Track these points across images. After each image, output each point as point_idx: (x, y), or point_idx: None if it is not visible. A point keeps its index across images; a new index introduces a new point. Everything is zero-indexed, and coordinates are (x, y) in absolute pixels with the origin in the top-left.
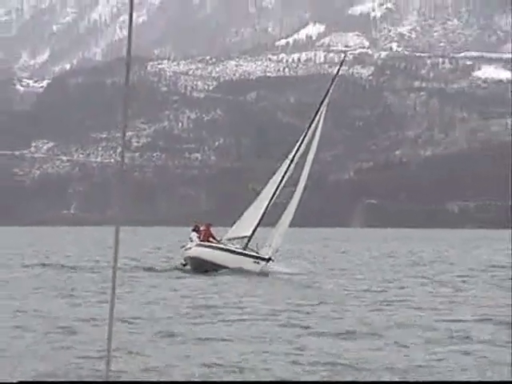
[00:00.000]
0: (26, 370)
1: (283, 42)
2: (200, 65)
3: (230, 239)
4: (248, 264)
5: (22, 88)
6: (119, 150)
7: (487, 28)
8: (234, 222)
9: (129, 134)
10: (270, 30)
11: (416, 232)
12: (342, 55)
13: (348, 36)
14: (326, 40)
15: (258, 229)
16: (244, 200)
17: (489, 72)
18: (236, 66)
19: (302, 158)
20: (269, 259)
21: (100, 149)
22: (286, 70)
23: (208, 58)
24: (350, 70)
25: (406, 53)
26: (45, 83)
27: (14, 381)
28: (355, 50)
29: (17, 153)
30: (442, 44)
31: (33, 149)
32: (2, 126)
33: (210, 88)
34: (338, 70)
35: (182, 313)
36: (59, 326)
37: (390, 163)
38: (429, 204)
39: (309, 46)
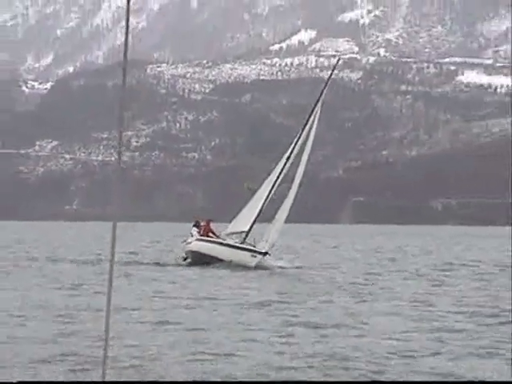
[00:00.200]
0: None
1: (276, 46)
2: (197, 68)
3: (228, 234)
4: (245, 258)
5: (27, 89)
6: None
7: (470, 35)
8: (233, 218)
9: (129, 133)
10: (263, 35)
11: (402, 228)
12: (332, 59)
13: (338, 42)
14: (317, 45)
15: (255, 224)
16: (239, 197)
17: (471, 77)
18: (231, 69)
19: (297, 158)
20: (265, 253)
21: (101, 148)
22: (279, 73)
23: (205, 61)
24: (340, 74)
25: (393, 58)
26: (49, 85)
27: (14, 381)
28: (345, 54)
29: (22, 151)
30: (427, 50)
31: (37, 147)
32: (8, 125)
33: (207, 90)
34: (331, 73)
35: (179, 303)
36: (59, 315)
37: (377, 162)
38: (414, 201)
39: (301, 50)
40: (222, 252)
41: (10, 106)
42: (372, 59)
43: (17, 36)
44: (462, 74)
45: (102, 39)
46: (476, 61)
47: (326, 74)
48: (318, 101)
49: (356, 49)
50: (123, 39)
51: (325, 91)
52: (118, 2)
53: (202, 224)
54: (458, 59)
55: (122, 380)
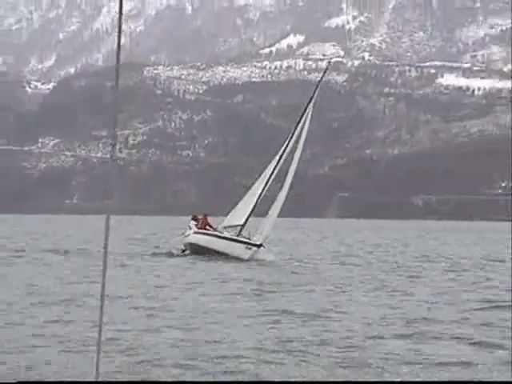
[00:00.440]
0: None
1: (267, 50)
2: (191, 70)
3: (225, 227)
4: (240, 250)
5: (30, 90)
6: (118, 146)
7: (449, 40)
8: (228, 212)
9: (126, 132)
10: (254, 39)
11: (384, 223)
12: (320, 63)
13: (325, 46)
14: (305, 49)
15: (250, 218)
16: (230, 192)
17: (450, 80)
18: (224, 71)
19: (289, 156)
20: (260, 245)
21: (100, 145)
22: (269, 75)
23: (199, 64)
24: (327, 77)
25: (377, 62)
26: (51, 85)
27: (13, 381)
28: (331, 58)
29: (25, 148)
30: (408, 54)
31: (40, 145)
32: (12, 123)
33: (201, 91)
34: (323, 75)
35: (170, 291)
36: (60, 300)
37: (361, 160)
38: (396, 197)
39: (290, 54)
40: (218, 244)
41: (14, 105)
42: (357, 63)
43: (21, 39)
44: (442, 77)
45: (101, 42)
46: (455, 65)
47: (313, 77)
48: (310, 101)
49: (342, 53)
50: (122, 42)
51: (317, 92)
52: (117, 8)
53: (199, 217)
54: (437, 63)
55: (115, 380)
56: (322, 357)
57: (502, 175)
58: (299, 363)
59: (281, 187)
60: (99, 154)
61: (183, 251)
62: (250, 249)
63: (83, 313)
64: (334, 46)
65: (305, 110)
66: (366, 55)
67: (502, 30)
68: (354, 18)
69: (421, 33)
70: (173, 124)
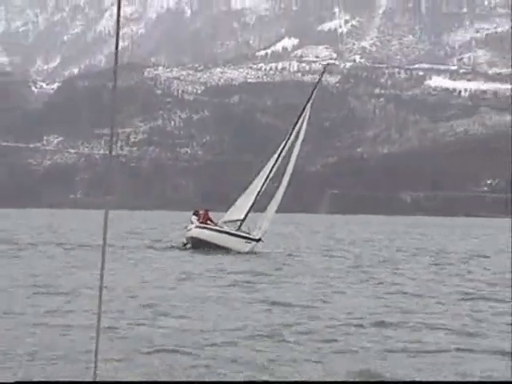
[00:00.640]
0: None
1: (262, 52)
2: (190, 71)
3: (225, 222)
4: (240, 244)
5: (36, 89)
6: (120, 144)
7: (437, 44)
8: (228, 208)
9: (127, 130)
10: (250, 42)
11: (373, 218)
12: (313, 65)
13: (318, 49)
14: (299, 52)
15: (250, 214)
16: (226, 188)
17: (438, 82)
18: (221, 73)
19: (287, 154)
20: (259, 239)
21: (102, 143)
22: (265, 77)
23: (197, 65)
24: None
25: (368, 64)
26: (56, 85)
27: (11, 381)
28: (324, 60)
29: (31, 145)
30: (398, 57)
31: (45, 142)
32: (19, 122)
33: (199, 92)
34: (320, 77)
35: (167, 281)
36: (60, 292)
37: (352, 158)
38: (385, 194)
39: (284, 56)
40: (219, 238)
41: (20, 104)
42: (348, 65)
43: (27, 41)
44: (430, 79)
45: (104, 44)
46: (442, 67)
47: (307, 78)
48: (308, 101)
49: (334, 55)
50: (124, 44)
51: (315, 92)
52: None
53: (200, 212)
54: (426, 66)
55: (113, 380)
56: (309, 343)
57: (488, 173)
58: (288, 350)
59: (278, 185)
60: (101, 151)
61: (185, 245)
62: (249, 243)
63: (82, 302)
64: (326, 48)
65: (303, 110)
66: (358, 58)
67: (487, 34)
68: (346, 22)
69: (410, 36)
70: (172, 123)
